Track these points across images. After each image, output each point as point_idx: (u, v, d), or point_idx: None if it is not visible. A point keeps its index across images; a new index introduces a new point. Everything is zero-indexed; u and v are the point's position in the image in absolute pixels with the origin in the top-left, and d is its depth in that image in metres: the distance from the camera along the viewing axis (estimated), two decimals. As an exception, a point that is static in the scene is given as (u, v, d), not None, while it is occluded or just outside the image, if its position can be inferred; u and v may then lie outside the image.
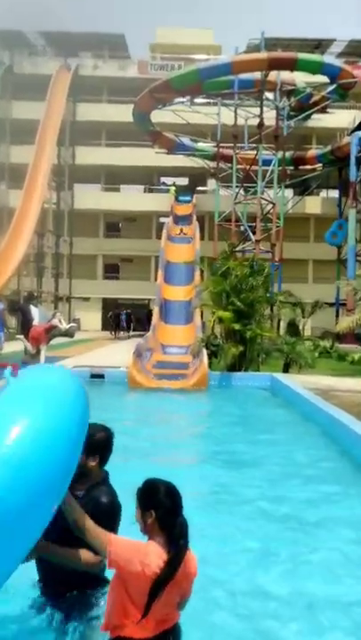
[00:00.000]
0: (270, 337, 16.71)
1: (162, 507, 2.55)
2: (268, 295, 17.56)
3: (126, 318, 37.08)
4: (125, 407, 11.80)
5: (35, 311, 14.24)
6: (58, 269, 37.45)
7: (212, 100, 34.17)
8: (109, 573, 2.72)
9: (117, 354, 18.13)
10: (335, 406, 9.17)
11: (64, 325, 14.75)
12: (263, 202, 28.41)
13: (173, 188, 39.87)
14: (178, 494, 2.62)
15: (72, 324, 16.83)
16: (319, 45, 35.62)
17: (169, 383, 13.57)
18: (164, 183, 43.97)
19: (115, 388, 12.96)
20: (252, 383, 13.80)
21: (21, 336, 14.56)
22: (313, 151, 35.52)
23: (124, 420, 9.82)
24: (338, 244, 32.18)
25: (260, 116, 27.60)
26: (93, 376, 13.59)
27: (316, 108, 31.37)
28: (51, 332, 14.04)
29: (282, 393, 12.15)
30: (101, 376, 13.66)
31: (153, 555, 2.48)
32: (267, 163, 28.69)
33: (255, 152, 28.55)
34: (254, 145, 29.38)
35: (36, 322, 13.92)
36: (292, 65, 27.03)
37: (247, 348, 15.27)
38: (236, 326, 14.89)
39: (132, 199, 42.18)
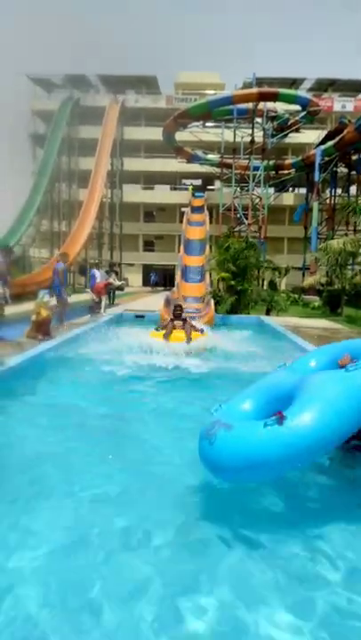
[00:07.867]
0: (256, 290, 16.76)
1: None
2: (256, 262, 17.51)
3: (156, 278, 37.20)
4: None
5: (97, 273, 14.41)
6: (112, 244, 37.34)
7: (217, 124, 33.10)
8: None
9: (153, 302, 18.32)
10: (298, 336, 9.34)
11: (117, 282, 14.98)
12: (253, 196, 27.85)
13: (191, 186, 39.02)
14: None
15: (122, 282, 16.97)
16: (294, 82, 34.03)
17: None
18: (184, 183, 43.12)
19: (152, 323, 13.18)
20: (245, 322, 13.86)
21: (88, 290, 14.78)
22: (289, 160, 34.36)
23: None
24: (297, 221, 32.81)
25: (252, 134, 26.76)
26: (137, 316, 13.78)
27: (292, 129, 30.19)
28: (108, 287, 14.26)
29: (265, 328, 12.31)
30: (142, 316, 13.81)
31: None
32: (256, 168, 27.98)
33: (248, 161, 27.79)
34: (247, 156, 28.61)
35: (98, 280, 14.11)
36: (274, 97, 25.87)
37: (241, 299, 15.38)
38: (233, 282, 14.96)
39: (162, 195, 41.45)
